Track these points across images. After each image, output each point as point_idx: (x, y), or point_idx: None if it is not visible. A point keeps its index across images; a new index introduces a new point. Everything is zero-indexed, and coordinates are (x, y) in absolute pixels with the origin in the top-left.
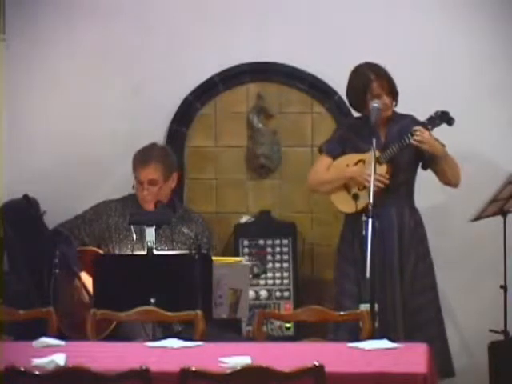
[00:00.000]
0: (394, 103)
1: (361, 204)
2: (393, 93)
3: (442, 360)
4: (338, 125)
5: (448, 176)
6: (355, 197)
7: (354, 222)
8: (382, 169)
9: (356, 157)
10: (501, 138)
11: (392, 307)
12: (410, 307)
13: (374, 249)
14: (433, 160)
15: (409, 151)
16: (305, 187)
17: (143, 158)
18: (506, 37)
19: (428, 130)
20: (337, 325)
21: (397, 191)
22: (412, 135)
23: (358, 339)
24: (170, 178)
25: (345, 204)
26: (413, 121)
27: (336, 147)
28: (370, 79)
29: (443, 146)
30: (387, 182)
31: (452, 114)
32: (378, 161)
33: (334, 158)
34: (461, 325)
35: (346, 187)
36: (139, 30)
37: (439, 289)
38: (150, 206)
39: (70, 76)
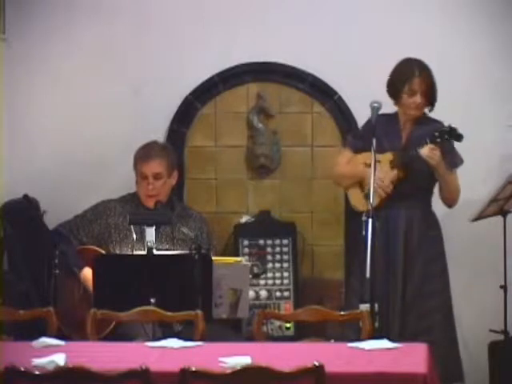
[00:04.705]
0: (428, 107)
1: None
2: (428, 96)
3: (451, 363)
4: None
5: (444, 194)
6: (367, 197)
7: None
8: (393, 174)
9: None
10: (501, 138)
11: (392, 309)
12: (419, 310)
13: (378, 249)
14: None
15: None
16: (305, 187)
17: (147, 153)
18: (506, 37)
19: (437, 144)
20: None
21: (412, 195)
22: (422, 147)
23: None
24: (172, 173)
25: (358, 201)
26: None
27: (358, 142)
28: (414, 73)
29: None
30: (389, 191)
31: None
32: (391, 164)
33: (356, 152)
34: (461, 325)
35: (360, 185)
36: (139, 30)
37: None
38: (152, 202)
39: (70, 76)
